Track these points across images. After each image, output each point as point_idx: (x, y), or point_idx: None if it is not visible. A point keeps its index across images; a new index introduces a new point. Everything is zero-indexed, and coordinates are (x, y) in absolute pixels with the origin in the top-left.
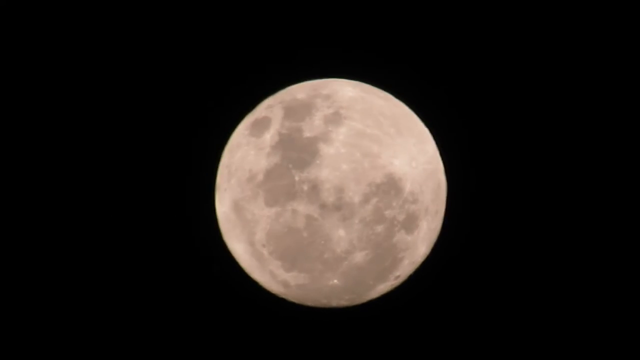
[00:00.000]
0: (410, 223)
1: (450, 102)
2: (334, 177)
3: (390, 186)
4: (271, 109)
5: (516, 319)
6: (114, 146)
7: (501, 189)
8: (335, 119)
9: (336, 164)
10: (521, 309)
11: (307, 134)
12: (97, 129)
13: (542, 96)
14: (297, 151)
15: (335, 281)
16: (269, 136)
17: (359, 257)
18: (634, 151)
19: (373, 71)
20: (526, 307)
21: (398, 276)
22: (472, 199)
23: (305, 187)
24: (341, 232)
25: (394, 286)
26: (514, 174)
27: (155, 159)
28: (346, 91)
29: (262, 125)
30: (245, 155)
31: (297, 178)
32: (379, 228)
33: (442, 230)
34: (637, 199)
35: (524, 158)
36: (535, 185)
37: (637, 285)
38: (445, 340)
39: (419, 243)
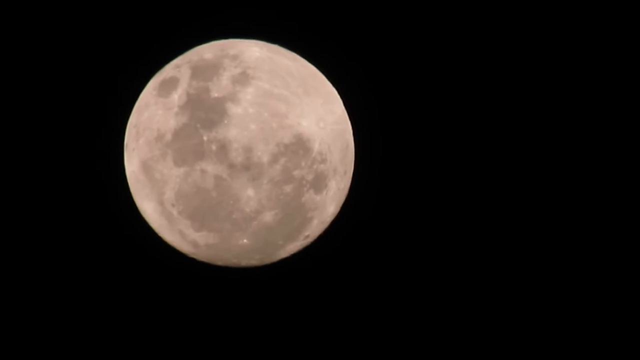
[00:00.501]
0: (319, 183)
1: (358, 62)
2: (243, 137)
3: (298, 146)
4: (179, 69)
5: (421, 280)
6: (23, 105)
7: (408, 150)
8: (242, 79)
9: (244, 124)
10: (427, 270)
11: (214, 94)
12: (5, 88)
13: (451, 53)
14: (205, 111)
15: (245, 241)
16: (177, 96)
17: (268, 216)
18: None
19: (281, 32)
20: (433, 269)
21: (307, 236)
22: (380, 160)
23: (214, 147)
24: (250, 192)
25: (303, 246)
26: (421, 136)
27: (65, 119)
28: (253, 51)
29: (170, 85)
30: (153, 114)
31: (205, 138)
32: (288, 188)
33: (351, 190)
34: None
35: (432, 119)
36: (442, 146)
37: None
38: (353, 301)
39: (327, 203)
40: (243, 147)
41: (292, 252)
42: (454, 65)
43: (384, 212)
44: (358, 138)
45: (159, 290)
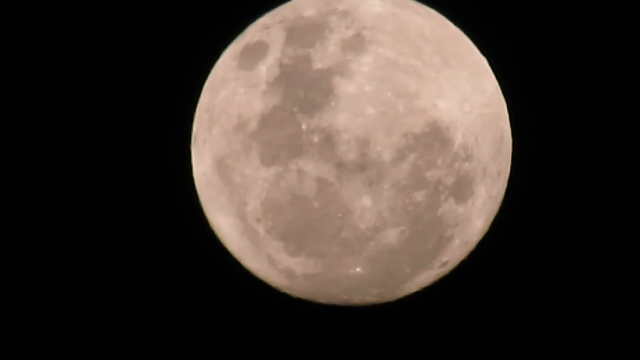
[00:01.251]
0: (462, 189)
1: (518, 22)
2: (356, 126)
3: (433, 138)
4: (268, 30)
5: (605, 320)
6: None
7: (586, 145)
8: (356, 44)
9: (358, 107)
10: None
11: (317, 64)
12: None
13: None
14: (304, 89)
15: (359, 269)
16: (265, 68)
17: (392, 235)
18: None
19: None
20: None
21: (445, 262)
22: (548, 157)
23: (316, 139)
24: (366, 201)
25: (439, 276)
26: (603, 128)
27: (115, 103)
28: (371, 5)
29: (255, 54)
30: (233, 94)
31: (304, 126)
32: (419, 196)
33: (506, 198)
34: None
35: (615, 108)
36: (629, 143)
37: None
38: (505, 348)
39: (474, 216)
40: (356, 140)
41: (423, 285)
42: None
43: (552, 230)
44: (517, 127)
45: (240, 336)
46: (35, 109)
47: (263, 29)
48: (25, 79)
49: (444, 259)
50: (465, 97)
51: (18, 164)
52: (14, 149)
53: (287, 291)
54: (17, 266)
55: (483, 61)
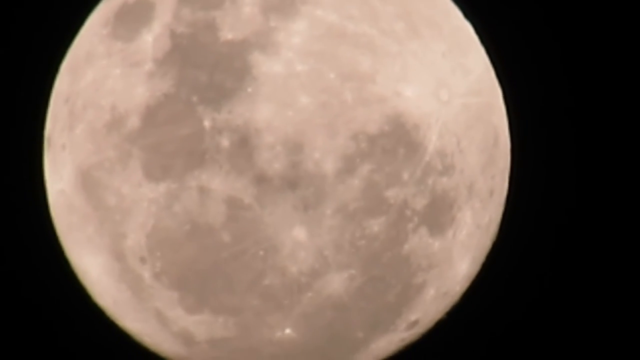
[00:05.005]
0: (438, 215)
1: None
2: (284, 123)
3: (396, 140)
4: None
5: None
6: None
7: (608, 152)
8: (284, 3)
9: (287, 96)
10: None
11: (227, 34)
12: None
13: None
14: (208, 69)
15: (288, 331)
16: (152, 39)
17: (337, 283)
18: None
19: None
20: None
21: (415, 322)
22: (561, 166)
23: (226, 142)
24: (299, 234)
25: (405, 342)
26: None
27: None
28: None
29: (136, 17)
30: (104, 77)
31: (207, 124)
32: (376, 225)
33: (503, 228)
34: None
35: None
36: None
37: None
38: None
39: (456, 255)
40: (285, 143)
41: (382, 357)
42: None
43: (568, 270)
44: (518, 124)
45: None
46: None
47: None
48: None
49: (413, 318)
50: (443, 81)
51: None
52: None
53: None
54: None
55: (468, 28)
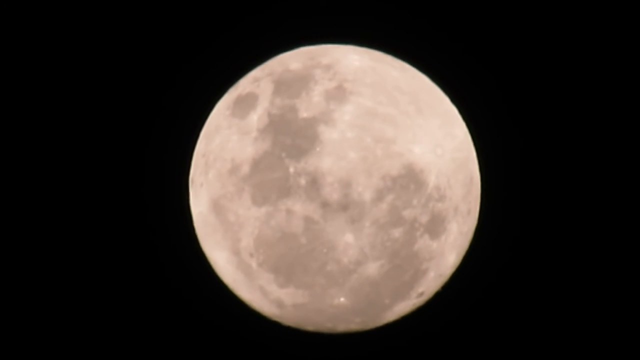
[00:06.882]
0: (435, 226)
1: (486, 72)
2: (339, 168)
3: (409, 179)
4: (258, 82)
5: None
6: (63, 132)
7: (553, 184)
8: (338, 94)
9: (341, 152)
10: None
11: (303, 114)
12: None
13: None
14: (291, 136)
15: (342, 299)
16: (256, 117)
17: (372, 269)
18: None
19: (385, 35)
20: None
21: (421, 293)
22: (514, 195)
23: (303, 181)
24: (348, 238)
25: (416, 306)
26: (570, 166)
27: (114, 147)
28: (351, 60)
29: (247, 104)
30: (227, 141)
31: (292, 169)
32: (397, 232)
33: (476, 235)
34: None
35: (584, 146)
36: (598, 181)
37: None
38: None
39: (447, 251)
40: (339, 181)
41: (401, 314)
42: (604, 79)
43: (521, 263)
44: (485, 169)
45: None
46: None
47: (254, 82)
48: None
49: (420, 290)
50: (438, 143)
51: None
52: None
53: (278, 320)
54: None
55: (454, 110)
